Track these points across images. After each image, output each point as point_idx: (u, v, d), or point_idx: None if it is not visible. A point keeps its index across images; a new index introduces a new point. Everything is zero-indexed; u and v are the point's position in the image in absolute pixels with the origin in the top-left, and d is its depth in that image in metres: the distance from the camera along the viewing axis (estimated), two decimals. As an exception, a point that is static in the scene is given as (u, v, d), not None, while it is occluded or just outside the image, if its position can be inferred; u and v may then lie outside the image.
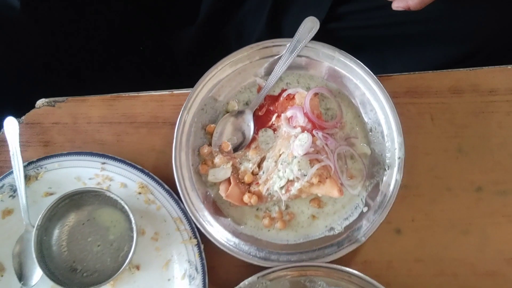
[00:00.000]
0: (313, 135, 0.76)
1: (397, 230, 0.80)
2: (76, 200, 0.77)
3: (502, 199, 0.80)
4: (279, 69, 0.82)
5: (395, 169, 0.76)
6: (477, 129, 0.82)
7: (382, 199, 0.76)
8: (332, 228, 0.78)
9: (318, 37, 0.81)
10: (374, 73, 0.79)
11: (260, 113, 0.83)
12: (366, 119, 0.81)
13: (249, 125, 0.81)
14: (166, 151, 0.83)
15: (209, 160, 0.81)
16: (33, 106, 0.86)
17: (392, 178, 0.76)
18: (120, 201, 0.74)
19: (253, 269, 0.74)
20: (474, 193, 0.80)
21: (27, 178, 0.80)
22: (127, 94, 0.86)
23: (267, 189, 0.77)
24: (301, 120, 0.78)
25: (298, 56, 0.81)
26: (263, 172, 0.79)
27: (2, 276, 0.78)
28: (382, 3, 0.82)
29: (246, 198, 0.77)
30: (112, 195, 0.75)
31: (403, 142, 0.76)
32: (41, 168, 0.80)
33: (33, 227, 0.73)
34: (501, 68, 0.84)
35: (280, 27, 1.04)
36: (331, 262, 0.74)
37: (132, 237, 0.74)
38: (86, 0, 1.07)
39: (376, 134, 0.80)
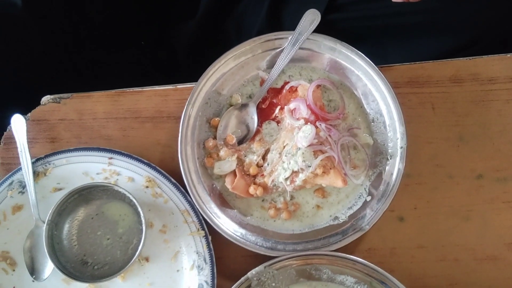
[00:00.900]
0: (316, 127, 0.77)
1: (400, 218, 0.81)
2: (85, 195, 0.78)
3: (502, 186, 0.81)
4: (282, 62, 0.82)
5: (398, 158, 0.77)
6: (477, 117, 0.83)
7: (385, 188, 0.77)
8: (336, 217, 0.79)
9: (318, 29, 0.82)
10: (375, 64, 0.80)
11: (263, 106, 0.84)
12: (368, 110, 0.82)
13: (253, 118, 0.82)
14: (171, 145, 0.84)
15: (214, 153, 0.82)
16: (38, 103, 0.87)
17: (394, 167, 0.77)
18: (128, 195, 0.75)
19: (260, 259, 0.76)
20: (475, 180, 0.82)
21: (36, 174, 0.81)
22: (131, 89, 0.87)
23: (272, 181, 0.78)
24: (304, 112, 0.79)
25: (300, 48, 0.82)
26: (268, 164, 0.80)
27: (14, 270, 0.79)
28: (381, -6, 0.83)
29: (251, 189, 0.79)
30: (120, 189, 0.76)
31: (405, 132, 0.77)
32: (49, 164, 0.81)
33: (43, 222, 0.75)
34: (500, 57, 0.85)
35: (280, 19, 1.04)
36: (336, 250, 0.76)
37: (141, 230, 0.75)
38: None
39: (378, 124, 0.81)
